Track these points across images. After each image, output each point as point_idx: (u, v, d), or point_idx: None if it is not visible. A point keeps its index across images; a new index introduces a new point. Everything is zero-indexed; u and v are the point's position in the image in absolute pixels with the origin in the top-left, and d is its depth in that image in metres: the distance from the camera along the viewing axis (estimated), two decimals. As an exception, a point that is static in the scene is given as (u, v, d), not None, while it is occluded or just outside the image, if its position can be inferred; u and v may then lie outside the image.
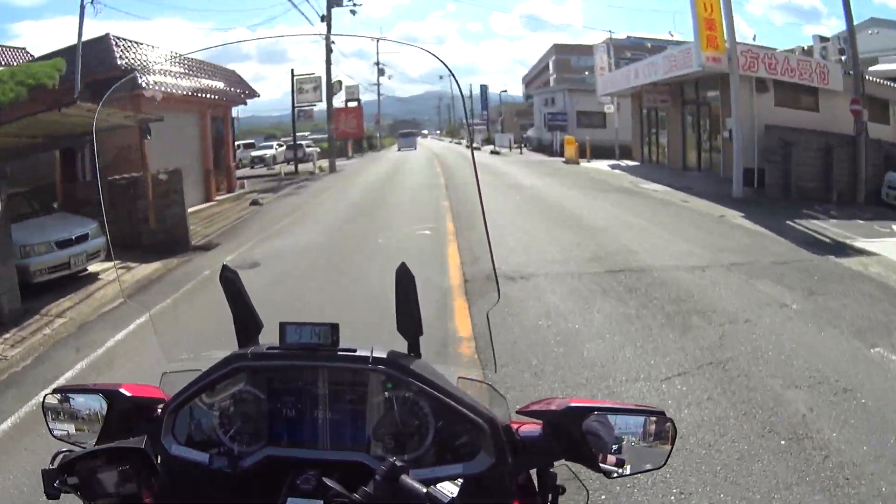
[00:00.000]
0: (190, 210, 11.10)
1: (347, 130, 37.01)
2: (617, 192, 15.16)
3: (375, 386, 1.23)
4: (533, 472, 1.31)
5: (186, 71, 16.10)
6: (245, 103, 20.42)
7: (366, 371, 1.21)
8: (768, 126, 14.44)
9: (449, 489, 0.93)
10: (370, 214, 12.74)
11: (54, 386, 3.29)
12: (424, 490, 0.92)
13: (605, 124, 29.97)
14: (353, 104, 37.44)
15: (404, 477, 0.94)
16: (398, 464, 0.95)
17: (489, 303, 5.85)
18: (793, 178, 13.67)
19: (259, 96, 21.07)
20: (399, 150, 43.22)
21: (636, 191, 15.45)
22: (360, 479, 1.07)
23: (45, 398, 1.33)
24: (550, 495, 1.27)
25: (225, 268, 1.32)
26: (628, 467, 1.19)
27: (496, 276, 6.34)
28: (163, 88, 13.67)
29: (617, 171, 20.82)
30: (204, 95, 16.40)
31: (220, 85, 17.88)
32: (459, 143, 55.32)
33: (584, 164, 24.48)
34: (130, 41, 14.71)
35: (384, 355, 1.22)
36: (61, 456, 1.09)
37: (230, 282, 1.32)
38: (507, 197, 13.96)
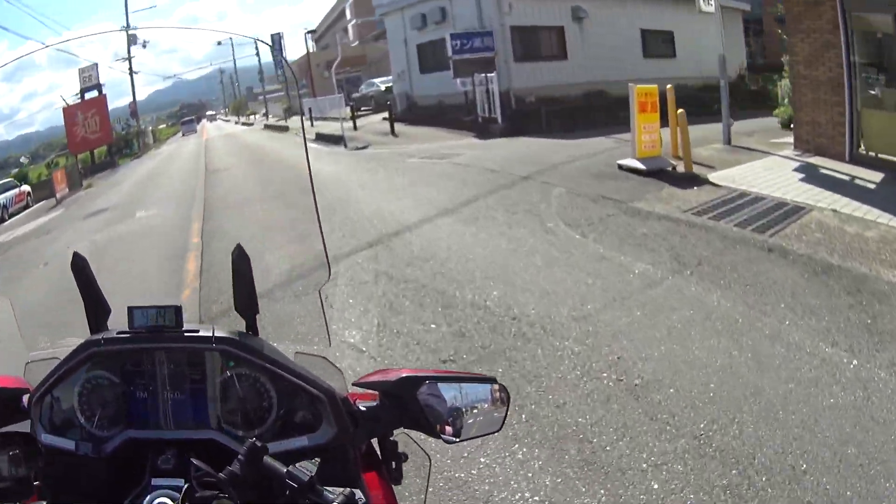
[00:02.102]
0: None
1: (88, 137, 22.86)
2: None
3: (218, 364, 1.30)
4: (376, 442, 1.42)
5: None
6: None
7: (208, 350, 1.28)
8: None
9: (308, 468, 1.03)
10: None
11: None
12: (285, 469, 1.02)
13: (566, 53, 16.05)
14: (92, 95, 24.22)
15: (266, 458, 1.03)
16: (258, 444, 1.04)
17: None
18: None
19: None
20: (183, 135, 35.09)
21: None
22: (216, 455, 1.16)
23: None
24: (393, 463, 1.40)
25: (76, 255, 1.32)
26: (465, 433, 1.34)
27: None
28: None
29: None
30: None
31: None
32: (249, 124, 29.11)
33: (723, 171, 8.19)
34: None
35: (226, 335, 1.29)
36: None
37: (80, 270, 1.32)
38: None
